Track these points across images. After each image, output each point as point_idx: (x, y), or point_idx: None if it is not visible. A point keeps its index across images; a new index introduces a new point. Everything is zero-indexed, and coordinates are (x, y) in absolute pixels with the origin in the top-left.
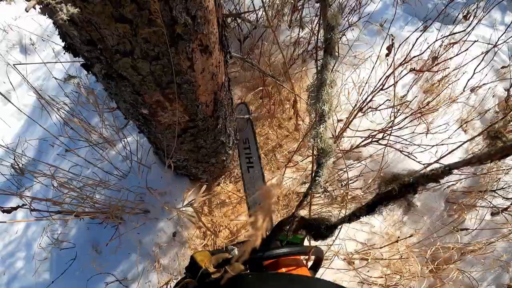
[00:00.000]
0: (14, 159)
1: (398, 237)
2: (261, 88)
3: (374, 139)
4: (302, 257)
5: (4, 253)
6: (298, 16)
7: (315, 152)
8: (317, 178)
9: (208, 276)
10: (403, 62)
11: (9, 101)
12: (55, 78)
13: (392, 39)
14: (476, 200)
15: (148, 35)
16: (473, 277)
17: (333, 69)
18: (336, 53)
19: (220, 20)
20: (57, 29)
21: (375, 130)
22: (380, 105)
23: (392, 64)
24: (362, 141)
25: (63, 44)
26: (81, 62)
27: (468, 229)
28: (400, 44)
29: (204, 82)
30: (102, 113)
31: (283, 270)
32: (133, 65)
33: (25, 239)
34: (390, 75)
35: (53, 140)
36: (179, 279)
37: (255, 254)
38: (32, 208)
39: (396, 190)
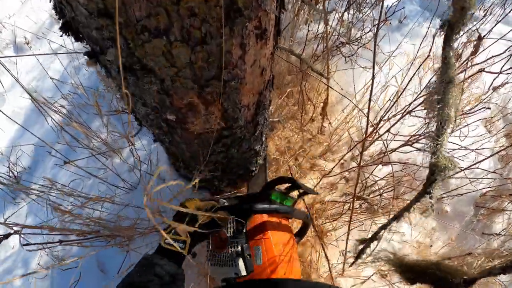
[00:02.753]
0: (9, 167)
1: (431, 245)
2: (289, 88)
3: (408, 143)
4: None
5: (1, 270)
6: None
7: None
8: (428, 200)
9: (195, 221)
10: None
11: None
12: (51, 78)
13: (479, 35)
14: (505, 203)
15: (197, 4)
16: (505, 282)
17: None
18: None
19: None
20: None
21: (417, 135)
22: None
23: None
24: (402, 145)
25: (60, 24)
26: (85, 50)
27: (498, 233)
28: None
29: (252, 78)
30: (103, 116)
31: (269, 231)
32: (166, 52)
33: (23, 254)
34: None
35: (51, 146)
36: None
37: (242, 205)
38: (21, 234)
39: None
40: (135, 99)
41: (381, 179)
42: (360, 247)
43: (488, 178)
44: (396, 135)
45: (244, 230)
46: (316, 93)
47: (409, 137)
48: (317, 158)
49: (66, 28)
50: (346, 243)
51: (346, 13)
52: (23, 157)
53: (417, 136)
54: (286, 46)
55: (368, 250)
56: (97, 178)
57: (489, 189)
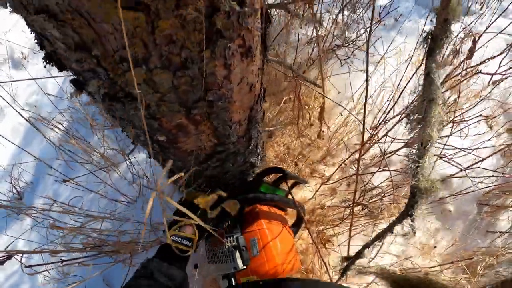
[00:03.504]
0: (11, 183)
1: (435, 246)
2: (285, 96)
3: (408, 145)
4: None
5: (7, 285)
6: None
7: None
8: (410, 223)
9: (206, 215)
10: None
11: None
12: (48, 95)
13: (474, 39)
14: (509, 200)
15: (173, 30)
16: None
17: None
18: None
19: (264, 11)
20: (29, 28)
21: (409, 139)
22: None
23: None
24: (401, 147)
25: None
26: (72, 77)
27: (503, 231)
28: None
29: (241, 96)
30: (99, 131)
31: (263, 222)
32: (147, 79)
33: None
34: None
35: (51, 161)
36: (170, 223)
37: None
38: (23, 256)
39: None
40: (123, 123)
41: (379, 184)
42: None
43: (491, 177)
44: (394, 139)
45: (239, 224)
46: (313, 97)
47: (408, 139)
48: (316, 163)
49: (49, 58)
50: (348, 249)
51: (340, 14)
52: (25, 172)
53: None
54: (281, 50)
55: (365, 258)
56: (98, 193)
57: (492, 187)
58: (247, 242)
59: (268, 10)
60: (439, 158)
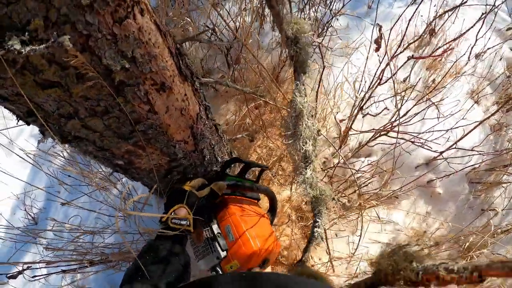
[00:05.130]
0: (25, 210)
1: (425, 231)
2: (253, 101)
3: (382, 133)
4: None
5: None
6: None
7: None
8: (316, 230)
9: (194, 196)
10: (396, 54)
11: None
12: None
13: (380, 29)
14: (501, 176)
15: (85, 92)
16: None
17: (312, 90)
18: (309, 68)
19: (173, 49)
20: None
21: (380, 128)
22: (380, 96)
23: (386, 54)
24: (370, 139)
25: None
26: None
27: (497, 208)
28: (392, 28)
29: (173, 120)
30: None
31: (232, 207)
32: (84, 125)
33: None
34: (385, 67)
35: (59, 187)
36: (163, 214)
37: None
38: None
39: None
40: (86, 154)
41: (357, 173)
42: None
43: (477, 152)
44: (369, 131)
45: (213, 214)
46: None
47: (382, 126)
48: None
49: (18, 118)
50: (326, 241)
51: (312, 11)
52: (38, 199)
53: (390, 125)
54: (254, 54)
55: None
56: (96, 212)
57: (479, 164)
58: (222, 230)
59: (179, 46)
60: (411, 143)
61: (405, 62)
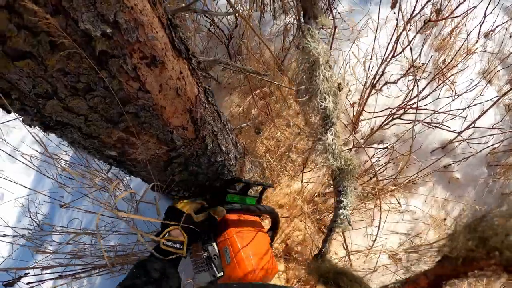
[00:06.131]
0: (30, 217)
1: (444, 218)
2: (258, 90)
3: (396, 116)
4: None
5: None
6: (280, 2)
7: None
8: (341, 212)
9: (191, 219)
10: (412, 16)
11: None
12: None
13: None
14: None
15: (62, 65)
16: None
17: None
18: (322, 13)
19: (164, 19)
20: None
21: (394, 108)
22: (390, 78)
23: (396, 25)
24: (384, 122)
25: None
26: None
27: None
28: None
29: (168, 101)
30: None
31: (232, 230)
32: (65, 107)
33: None
34: (400, 34)
35: (62, 191)
36: (157, 232)
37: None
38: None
39: None
40: (75, 146)
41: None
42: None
43: (499, 131)
44: (382, 111)
45: (213, 234)
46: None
47: (395, 108)
48: (307, 151)
49: None
50: (343, 234)
51: None
52: (42, 205)
53: (403, 107)
54: (262, 39)
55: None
56: (97, 214)
57: (497, 145)
58: (220, 251)
59: (172, 16)
60: (426, 126)
61: (424, 25)
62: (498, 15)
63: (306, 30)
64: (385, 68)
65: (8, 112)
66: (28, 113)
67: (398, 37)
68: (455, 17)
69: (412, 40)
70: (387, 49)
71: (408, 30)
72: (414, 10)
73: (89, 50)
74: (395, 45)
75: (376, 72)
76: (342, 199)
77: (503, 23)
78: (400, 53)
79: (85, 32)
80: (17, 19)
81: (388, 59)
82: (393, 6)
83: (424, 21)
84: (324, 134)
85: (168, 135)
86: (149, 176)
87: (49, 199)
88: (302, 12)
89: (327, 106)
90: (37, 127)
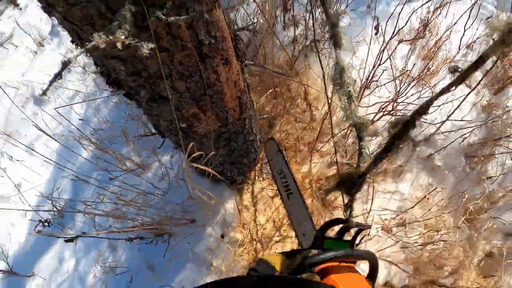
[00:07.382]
0: (52, 203)
1: (425, 196)
2: (272, 90)
3: (385, 112)
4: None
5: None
6: (291, 15)
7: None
8: (363, 151)
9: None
10: (393, 36)
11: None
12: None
13: (377, 19)
14: (493, 148)
15: (182, 58)
16: (508, 222)
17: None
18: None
19: (232, 35)
20: (100, 69)
21: (384, 102)
22: (379, 79)
23: (383, 40)
24: (374, 116)
25: (105, 80)
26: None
27: (493, 177)
28: (388, 20)
29: (229, 89)
30: (131, 142)
31: (333, 277)
32: (172, 86)
33: (77, 274)
34: (383, 49)
35: (87, 178)
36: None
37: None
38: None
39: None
40: (157, 118)
41: None
42: None
43: (469, 127)
44: (373, 105)
45: None
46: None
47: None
48: (312, 142)
49: (112, 83)
50: (342, 198)
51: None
52: (64, 192)
53: (391, 102)
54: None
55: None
56: (137, 189)
57: (467, 135)
58: None
59: (238, 33)
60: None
61: (396, 47)
62: (477, 28)
63: (336, 55)
64: (373, 74)
65: (120, 87)
66: (145, 88)
67: (382, 51)
68: (421, 37)
69: (392, 53)
70: (376, 59)
71: (399, 42)
72: (394, 31)
73: (198, 52)
74: (381, 56)
75: (368, 76)
76: (361, 143)
77: (481, 36)
78: (384, 62)
79: (200, 41)
80: (167, 28)
81: (375, 67)
82: (376, 33)
83: (399, 40)
84: (349, 106)
85: (224, 114)
86: (198, 148)
87: (70, 188)
88: (333, 43)
89: (351, 90)
90: (144, 101)
